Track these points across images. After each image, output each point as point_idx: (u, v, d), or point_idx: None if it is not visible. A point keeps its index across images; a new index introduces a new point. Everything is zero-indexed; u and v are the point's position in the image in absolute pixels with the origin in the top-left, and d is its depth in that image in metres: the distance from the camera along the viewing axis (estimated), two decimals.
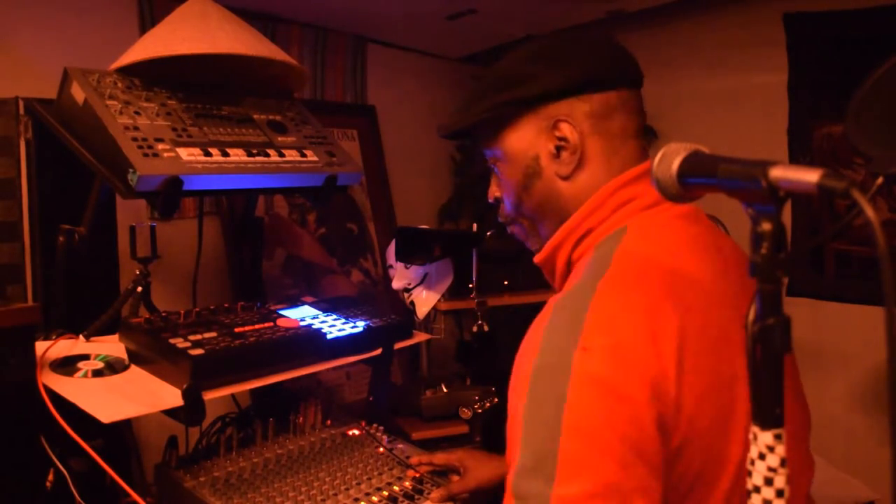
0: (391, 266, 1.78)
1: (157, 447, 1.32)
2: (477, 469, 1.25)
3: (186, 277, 1.70)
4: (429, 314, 1.84)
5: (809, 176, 0.51)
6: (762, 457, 0.55)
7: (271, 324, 1.32)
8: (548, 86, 0.90)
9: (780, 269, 0.53)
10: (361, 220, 2.35)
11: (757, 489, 0.56)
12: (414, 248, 1.67)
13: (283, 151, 1.39)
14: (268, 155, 1.35)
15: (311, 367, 1.30)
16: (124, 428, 1.31)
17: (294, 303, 1.53)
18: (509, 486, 0.74)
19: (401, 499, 1.20)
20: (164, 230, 1.50)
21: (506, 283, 2.09)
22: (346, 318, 1.47)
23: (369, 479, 1.25)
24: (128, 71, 1.32)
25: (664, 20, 2.33)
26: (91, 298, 1.35)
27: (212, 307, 1.39)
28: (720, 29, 2.28)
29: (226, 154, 1.28)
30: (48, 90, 1.34)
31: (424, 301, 1.74)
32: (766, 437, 0.55)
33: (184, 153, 1.23)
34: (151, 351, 1.20)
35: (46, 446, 1.06)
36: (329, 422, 1.44)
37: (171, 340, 1.16)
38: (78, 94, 1.25)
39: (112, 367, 1.18)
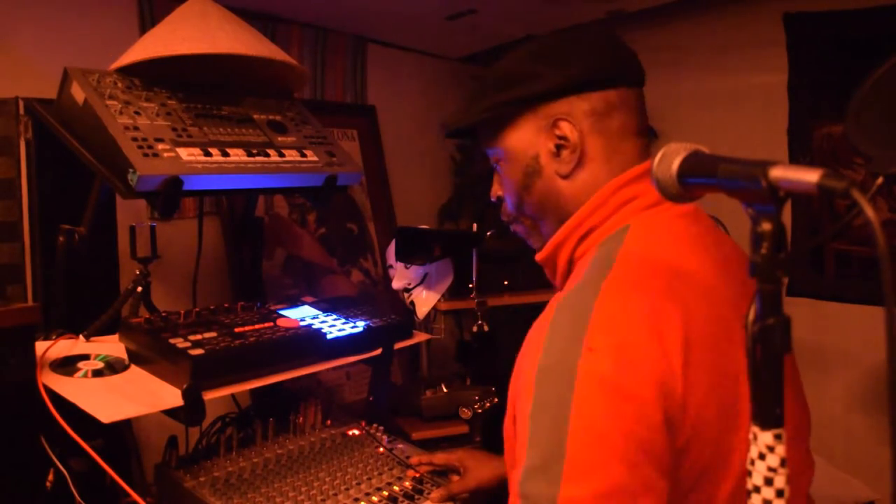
0: (391, 266, 1.78)
1: (157, 447, 1.32)
2: (477, 469, 1.25)
3: (186, 277, 1.70)
4: (429, 314, 1.84)
5: (809, 176, 0.51)
6: (762, 457, 0.55)
7: (271, 324, 1.32)
8: (547, 85, 0.90)
9: (780, 269, 0.53)
10: (361, 220, 2.35)
11: (757, 489, 0.56)
12: (414, 248, 1.67)
13: (283, 151, 1.39)
14: (268, 155, 1.35)
15: (311, 367, 1.30)
16: (124, 428, 1.31)
17: (294, 303, 1.53)
18: (515, 486, 0.74)
19: (401, 499, 1.20)
20: (164, 230, 1.50)
21: (506, 283, 2.09)
22: (346, 318, 1.47)
23: (369, 479, 1.25)
24: (128, 71, 1.32)
25: (664, 20, 2.33)
26: (91, 298, 1.35)
27: (212, 307, 1.39)
28: (720, 29, 2.28)
29: (226, 154, 1.28)
30: (48, 90, 1.34)
31: (424, 301, 1.74)
32: (766, 437, 0.55)
33: (184, 153, 1.23)
34: (151, 351, 1.20)
35: (46, 446, 1.06)
36: (329, 422, 1.45)
37: (171, 340, 1.16)
38: (78, 94, 1.25)
39: (112, 367, 1.18)
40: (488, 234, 1.79)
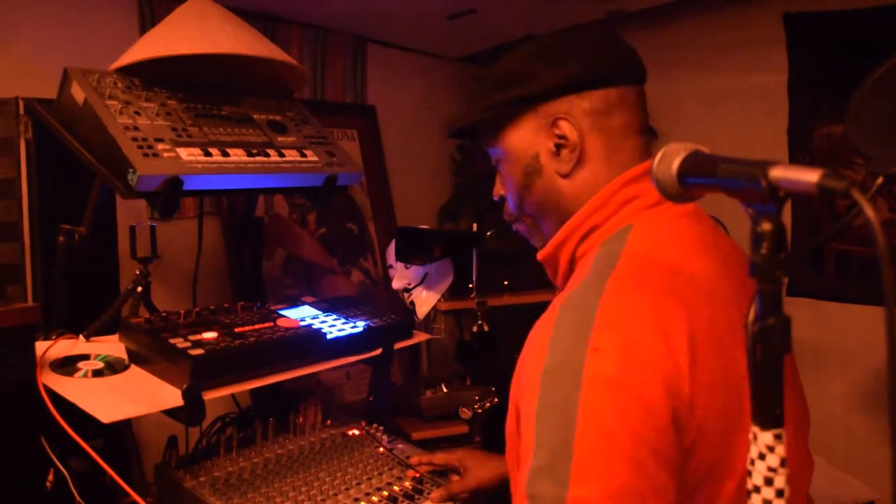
0: (391, 266, 1.78)
1: (157, 447, 1.32)
2: (477, 469, 1.25)
3: (186, 277, 1.70)
4: (429, 314, 1.84)
5: (809, 176, 0.51)
6: (762, 457, 0.55)
7: (271, 324, 1.32)
8: (546, 84, 0.90)
9: (780, 269, 0.53)
10: (361, 220, 2.35)
11: (757, 489, 0.56)
12: (414, 248, 1.67)
13: (283, 151, 1.39)
14: (268, 155, 1.35)
15: (311, 367, 1.30)
16: (124, 428, 1.31)
17: (294, 303, 1.53)
18: (522, 486, 0.73)
19: (401, 499, 1.20)
20: (164, 230, 1.50)
21: (506, 283, 2.09)
22: (346, 318, 1.47)
23: (369, 479, 1.25)
24: (128, 71, 1.32)
25: (664, 20, 2.33)
26: (91, 298, 1.35)
27: (212, 307, 1.39)
28: (720, 29, 2.28)
29: (226, 154, 1.28)
30: (48, 90, 1.34)
31: (424, 301, 1.74)
32: (766, 437, 0.55)
33: (184, 153, 1.23)
34: (151, 351, 1.20)
35: (46, 446, 1.06)
36: (329, 422, 1.44)
37: (171, 340, 1.16)
38: (78, 94, 1.25)
39: (112, 367, 1.18)
40: (488, 234, 1.79)
